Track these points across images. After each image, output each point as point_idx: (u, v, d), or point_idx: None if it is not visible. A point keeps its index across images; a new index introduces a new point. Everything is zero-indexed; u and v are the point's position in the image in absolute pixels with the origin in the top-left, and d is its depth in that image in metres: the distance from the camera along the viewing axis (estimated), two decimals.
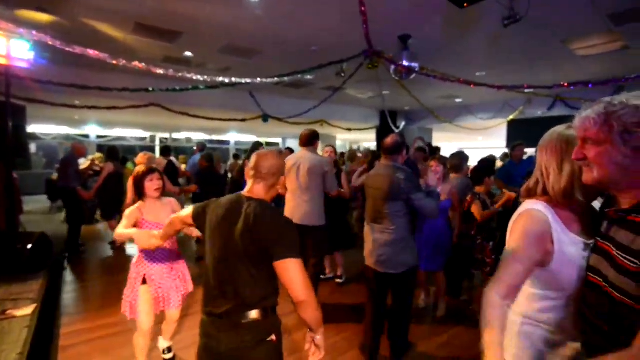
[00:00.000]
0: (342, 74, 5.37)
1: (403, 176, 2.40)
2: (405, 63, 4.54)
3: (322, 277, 4.02)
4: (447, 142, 16.99)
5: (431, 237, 3.17)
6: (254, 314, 1.30)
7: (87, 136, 13.37)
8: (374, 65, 4.70)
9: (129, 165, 6.41)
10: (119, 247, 5.47)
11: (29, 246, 3.74)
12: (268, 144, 17.74)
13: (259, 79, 4.57)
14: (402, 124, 11.80)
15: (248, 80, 4.55)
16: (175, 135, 15.58)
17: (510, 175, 4.40)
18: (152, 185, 2.26)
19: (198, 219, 1.50)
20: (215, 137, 16.42)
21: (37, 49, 3.87)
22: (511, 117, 9.08)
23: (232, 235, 1.32)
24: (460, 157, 3.48)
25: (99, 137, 13.73)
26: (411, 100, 7.96)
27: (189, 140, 15.94)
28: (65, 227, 5.51)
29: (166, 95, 6.43)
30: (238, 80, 4.49)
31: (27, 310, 2.92)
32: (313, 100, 8.12)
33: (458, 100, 9.81)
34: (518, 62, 6.08)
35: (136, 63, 3.45)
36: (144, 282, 2.23)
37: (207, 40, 5.14)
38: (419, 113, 11.43)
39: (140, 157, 3.89)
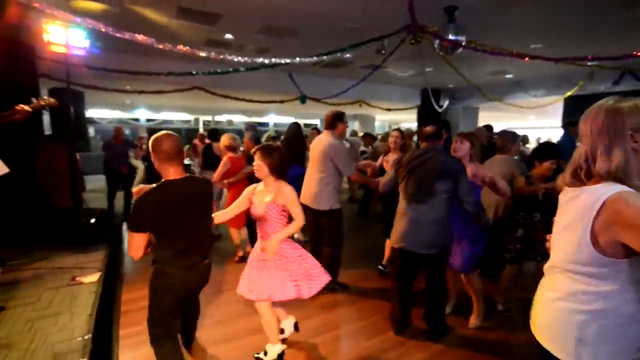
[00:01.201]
0: (383, 51, 5.17)
1: (452, 159, 2.56)
2: (451, 37, 4.27)
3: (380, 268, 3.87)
4: (495, 122, 16.00)
5: (466, 232, 2.70)
6: None
7: (137, 119, 14.23)
8: (417, 40, 4.47)
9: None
10: None
11: (92, 220, 4.12)
12: (306, 125, 17.80)
13: (297, 59, 4.53)
14: (446, 103, 11.24)
15: (287, 61, 4.54)
16: (217, 118, 16.11)
17: (568, 153, 4.04)
18: None
19: None
20: (254, 119, 16.76)
21: (91, 38, 4.12)
22: (569, 93, 8.30)
23: None
24: (504, 137, 3.21)
25: (148, 120, 14.54)
26: (456, 77, 7.53)
27: (230, 122, 16.42)
28: (122, 203, 6.01)
29: (208, 78, 6.62)
30: (277, 60, 4.48)
31: (93, 277, 3.25)
32: (351, 80, 7.96)
33: (508, 76, 9.13)
34: (577, 32, 5.48)
35: (180, 47, 3.56)
36: None
37: (246, 21, 5.17)
38: (465, 91, 10.81)
39: (225, 139, 4.03)
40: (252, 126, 6.89)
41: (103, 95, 7.63)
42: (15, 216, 4.15)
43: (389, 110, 11.50)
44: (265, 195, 2.21)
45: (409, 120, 16.82)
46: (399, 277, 2.68)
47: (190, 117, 15.83)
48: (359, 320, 3.00)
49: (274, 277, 2.17)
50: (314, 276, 2.25)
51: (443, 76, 8.76)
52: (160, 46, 3.34)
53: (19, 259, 3.63)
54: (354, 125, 15.13)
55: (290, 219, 2.26)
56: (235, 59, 4.17)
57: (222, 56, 3.96)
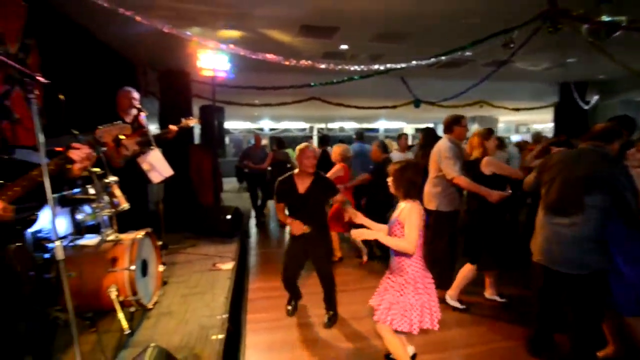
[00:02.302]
0: (512, 45, 4.62)
1: (615, 166, 2.02)
2: (605, 18, 3.54)
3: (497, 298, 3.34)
4: None
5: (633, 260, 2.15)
6: None
7: (262, 129, 16.03)
8: (556, 28, 3.85)
9: (291, 152, 7.39)
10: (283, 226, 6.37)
11: (228, 217, 4.81)
12: (418, 129, 17.14)
13: (414, 62, 4.43)
14: (594, 99, 9.32)
15: (402, 65, 4.48)
16: (330, 125, 16.92)
17: None
18: None
19: None
20: (365, 125, 17.00)
21: (231, 61, 4.86)
22: None
23: None
24: None
25: (271, 129, 16.25)
26: (608, 67, 6.19)
27: (342, 129, 17.04)
28: (249, 203, 6.84)
29: (323, 88, 7.02)
30: (393, 66, 4.47)
31: (229, 265, 3.79)
32: (471, 80, 7.34)
33: None
34: None
35: (303, 61, 3.89)
36: None
37: (361, 31, 5.30)
38: (623, 82, 8.79)
39: (339, 149, 4.34)
40: (360, 133, 7.03)
41: (236, 109, 8.87)
42: (174, 209, 5.16)
43: (516, 110, 10.19)
44: (398, 210, 2.12)
45: (539, 121, 14.58)
46: (539, 295, 2.36)
47: (306, 125, 17.04)
48: (480, 344, 2.72)
49: (399, 304, 2.00)
50: (433, 308, 2.04)
51: (590, 67, 7.31)
52: (287, 62, 3.72)
53: (175, 245, 4.48)
54: (473, 128, 13.89)
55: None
56: (352, 68, 4.33)
57: (340, 67, 4.16)
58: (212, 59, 4.79)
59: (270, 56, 3.68)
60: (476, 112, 11.36)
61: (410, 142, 6.47)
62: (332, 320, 2.95)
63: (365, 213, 2.49)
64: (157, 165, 3.44)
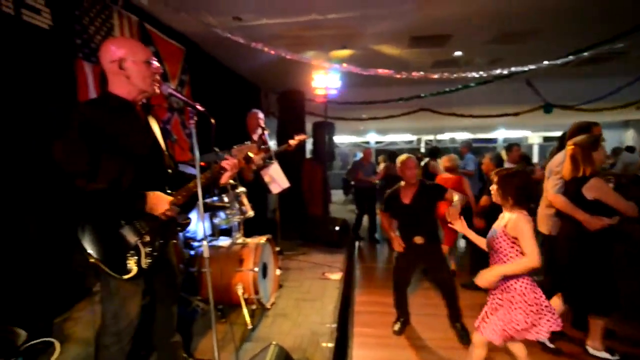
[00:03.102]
0: None
1: None
2: None
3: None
4: None
5: None
6: None
7: (367, 142, 16.20)
8: None
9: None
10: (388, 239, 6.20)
11: (337, 228, 4.98)
12: (546, 139, 14.90)
13: (545, 62, 3.89)
14: None
15: (531, 67, 3.98)
16: (439, 137, 16.06)
17: None
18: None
19: None
20: (480, 136, 15.57)
21: (342, 78, 5.09)
22: None
23: None
24: None
25: (376, 142, 16.30)
26: None
27: (452, 140, 15.97)
28: (354, 215, 6.92)
29: (433, 98, 6.74)
30: (518, 68, 4.02)
31: (337, 276, 3.90)
32: (622, 77, 6.04)
33: None
34: None
35: (415, 73, 3.82)
36: None
37: (477, 35, 4.93)
38: None
39: (444, 160, 4.19)
40: (468, 144, 6.46)
41: (343, 123, 9.20)
42: (286, 218, 5.59)
43: None
44: (503, 221, 1.96)
45: None
46: None
47: (413, 138, 16.54)
48: None
49: (500, 319, 1.89)
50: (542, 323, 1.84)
51: None
52: (398, 76, 3.71)
53: (289, 251, 4.83)
54: (627, 136, 11.35)
55: None
56: (469, 75, 4.06)
57: (455, 75, 3.95)
58: (324, 79, 5.12)
59: (381, 71, 3.74)
60: (631, 116, 9.27)
61: (536, 153, 5.66)
62: (464, 333, 2.75)
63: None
64: (276, 178, 3.81)
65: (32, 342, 2.31)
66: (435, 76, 3.98)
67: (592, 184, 2.34)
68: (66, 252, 2.86)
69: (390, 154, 6.53)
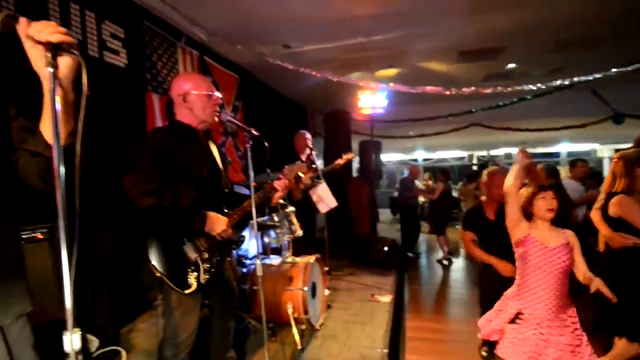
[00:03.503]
0: None
1: None
2: None
3: None
4: None
5: None
6: None
7: (415, 160, 15.83)
8: None
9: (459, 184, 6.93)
10: (448, 265, 5.80)
11: (385, 248, 4.86)
12: (619, 150, 13.45)
13: (613, 70, 3.58)
14: None
15: (597, 75, 3.68)
16: (493, 152, 15.23)
17: None
18: (544, 204, 1.79)
19: None
20: (540, 150, 14.50)
21: (388, 97, 5.10)
22: None
23: None
24: None
25: (424, 159, 15.86)
26: None
27: (508, 156, 15.04)
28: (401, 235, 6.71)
29: (486, 113, 6.45)
30: (583, 78, 3.73)
31: (387, 298, 3.78)
32: None
33: None
34: None
35: (465, 89, 3.71)
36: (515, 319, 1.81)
37: (532, 46, 4.69)
38: None
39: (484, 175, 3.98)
40: (549, 165, 5.99)
41: (390, 141, 9.10)
42: (333, 237, 5.58)
43: None
44: (554, 236, 1.79)
45: None
46: None
47: (464, 154, 15.85)
48: None
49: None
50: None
51: None
52: (447, 92, 3.63)
53: (336, 271, 4.79)
54: None
55: None
56: (526, 87, 3.85)
57: (509, 88, 3.77)
58: (370, 98, 5.16)
59: (430, 88, 3.69)
60: None
61: (607, 167, 5.14)
62: None
63: None
64: (324, 197, 3.85)
65: (103, 350, 2.51)
66: (488, 90, 3.83)
67: (616, 200, 2.20)
68: (133, 266, 3.11)
69: (443, 171, 6.33)
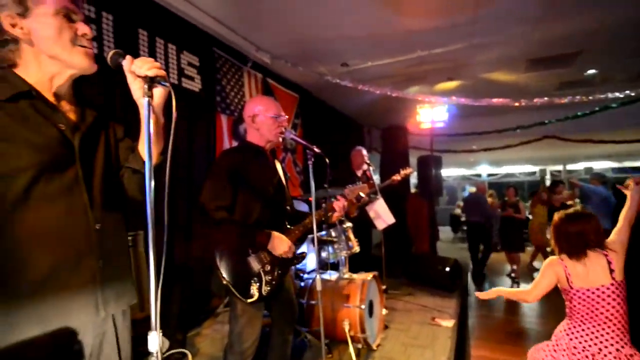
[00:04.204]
0: None
1: None
2: None
3: None
4: None
5: None
6: None
7: (479, 175, 14.88)
8: None
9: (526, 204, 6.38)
10: (516, 283, 5.44)
11: (447, 269, 4.59)
12: None
13: None
14: None
15: None
16: (570, 167, 13.76)
17: None
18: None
19: None
20: (628, 164, 12.77)
21: (449, 109, 4.92)
22: None
23: None
24: None
25: (489, 175, 14.84)
26: None
27: (588, 170, 13.47)
28: (466, 255, 6.28)
29: (559, 124, 5.90)
30: None
31: (449, 323, 3.55)
32: None
33: None
34: None
35: (537, 100, 3.45)
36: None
37: (615, 49, 4.22)
38: None
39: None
40: (601, 176, 5.34)
41: (450, 155, 8.70)
42: (390, 255, 5.42)
43: None
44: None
45: None
46: None
47: (535, 169, 14.53)
48: None
49: None
50: None
51: None
52: (516, 104, 3.40)
53: (393, 290, 4.63)
54: None
55: None
56: (611, 95, 3.46)
57: (590, 97, 3.42)
58: (430, 112, 5.02)
59: (496, 100, 3.49)
60: None
61: None
62: None
63: None
64: (382, 213, 3.79)
65: (172, 352, 2.70)
66: (565, 100, 3.50)
67: None
68: (201, 274, 3.33)
69: (514, 188, 5.89)
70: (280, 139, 1.93)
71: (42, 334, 0.87)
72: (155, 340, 0.82)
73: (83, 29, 0.94)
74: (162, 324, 0.83)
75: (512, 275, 5.57)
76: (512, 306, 4.73)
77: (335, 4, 3.10)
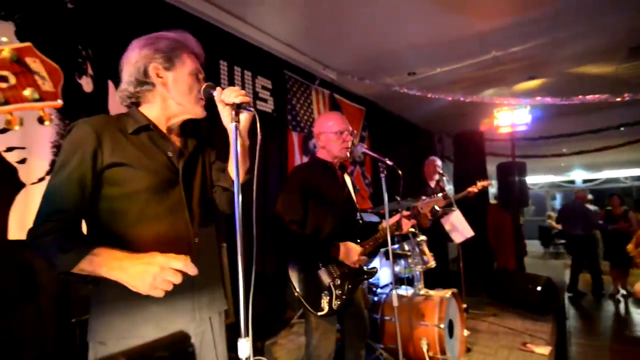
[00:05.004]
0: None
1: None
2: None
3: None
4: None
5: None
6: None
7: (572, 182, 13.16)
8: None
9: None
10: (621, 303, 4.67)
11: (538, 288, 4.10)
12: None
13: None
14: None
15: None
16: None
17: None
18: None
19: None
20: None
21: (532, 111, 4.47)
22: None
23: None
24: None
25: (585, 181, 13.04)
26: None
27: None
28: (563, 273, 5.54)
29: None
30: None
31: (544, 350, 3.14)
32: None
33: None
34: None
35: None
36: None
37: None
38: None
39: None
40: None
41: (535, 161, 7.85)
42: (470, 271, 5.02)
43: None
44: None
45: None
46: None
47: None
48: None
49: None
50: None
51: None
52: (618, 99, 2.97)
53: (475, 310, 4.26)
54: None
55: None
56: None
57: None
58: (509, 115, 4.62)
59: (590, 97, 3.08)
60: None
61: None
62: None
63: None
64: (458, 226, 3.57)
65: (251, 359, 2.84)
66: None
67: None
68: (276, 285, 3.48)
69: (619, 195, 5.12)
70: (347, 154, 1.97)
71: (166, 336, 1.00)
72: (245, 347, 0.88)
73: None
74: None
75: (618, 296, 4.78)
76: (622, 332, 4.02)
77: (399, 15, 3.08)
